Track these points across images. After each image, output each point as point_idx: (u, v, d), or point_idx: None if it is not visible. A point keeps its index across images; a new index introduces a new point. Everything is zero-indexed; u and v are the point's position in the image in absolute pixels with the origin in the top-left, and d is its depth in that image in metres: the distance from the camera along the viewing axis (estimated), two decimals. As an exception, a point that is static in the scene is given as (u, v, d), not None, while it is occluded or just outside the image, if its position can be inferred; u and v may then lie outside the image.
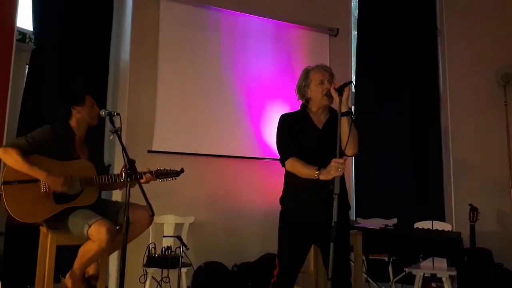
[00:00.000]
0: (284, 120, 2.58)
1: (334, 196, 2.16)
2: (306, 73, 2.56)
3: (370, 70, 5.09)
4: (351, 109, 2.36)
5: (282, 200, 2.60)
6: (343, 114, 2.31)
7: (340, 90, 2.31)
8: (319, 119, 2.54)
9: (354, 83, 5.14)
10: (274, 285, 2.51)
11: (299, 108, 2.65)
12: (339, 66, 4.96)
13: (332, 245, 2.13)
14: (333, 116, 2.52)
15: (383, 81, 5.04)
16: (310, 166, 2.33)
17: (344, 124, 2.32)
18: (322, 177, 2.26)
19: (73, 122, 2.85)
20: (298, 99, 2.62)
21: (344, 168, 2.20)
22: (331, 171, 2.21)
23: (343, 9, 5.14)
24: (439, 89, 5.05)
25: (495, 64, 4.85)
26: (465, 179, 4.75)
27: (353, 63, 5.17)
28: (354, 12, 5.34)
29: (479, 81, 4.92)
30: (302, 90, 2.57)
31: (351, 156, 2.52)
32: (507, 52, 4.91)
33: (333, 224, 2.14)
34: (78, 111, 2.84)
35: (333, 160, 2.21)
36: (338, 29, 4.97)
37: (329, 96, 2.43)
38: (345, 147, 2.32)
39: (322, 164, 2.29)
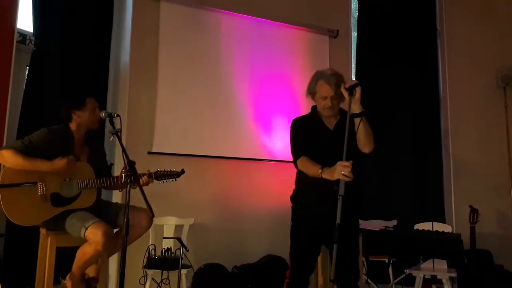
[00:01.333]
0: (296, 124, 2.63)
1: (338, 197, 2.14)
2: (317, 79, 2.51)
3: (370, 72, 5.09)
4: (363, 110, 2.35)
5: (293, 198, 2.64)
6: (356, 115, 2.32)
7: (350, 90, 2.30)
8: (330, 120, 2.56)
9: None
10: (288, 286, 2.49)
11: (304, 110, 2.68)
12: (339, 67, 4.84)
13: (335, 246, 2.12)
14: (343, 118, 2.50)
15: (383, 82, 5.04)
16: (316, 165, 2.36)
17: (360, 125, 2.35)
18: (324, 176, 2.27)
19: (73, 125, 2.83)
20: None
21: (349, 171, 2.16)
22: (334, 173, 2.21)
23: (343, 11, 5.14)
24: (439, 91, 5.06)
25: (495, 66, 4.86)
26: (465, 180, 4.76)
27: (353, 65, 5.17)
28: (354, 13, 5.35)
29: (479, 83, 4.93)
30: (310, 94, 2.59)
31: (369, 152, 2.51)
32: (507, 53, 4.92)
33: (336, 226, 2.13)
34: (78, 115, 2.80)
35: (339, 163, 2.20)
36: (338, 30, 4.97)
37: (330, 109, 2.47)
38: (362, 146, 2.41)
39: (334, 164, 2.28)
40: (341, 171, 2.17)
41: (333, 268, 2.13)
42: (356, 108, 2.31)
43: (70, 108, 2.80)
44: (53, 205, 2.68)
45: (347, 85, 2.32)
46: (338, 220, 2.12)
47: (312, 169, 2.38)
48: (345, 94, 2.33)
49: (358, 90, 2.29)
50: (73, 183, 2.72)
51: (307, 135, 2.52)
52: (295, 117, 2.71)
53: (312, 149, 2.47)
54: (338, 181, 2.18)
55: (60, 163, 2.63)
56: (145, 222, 2.79)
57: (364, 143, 2.41)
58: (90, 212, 2.71)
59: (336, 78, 2.47)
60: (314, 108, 2.63)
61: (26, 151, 2.63)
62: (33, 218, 2.65)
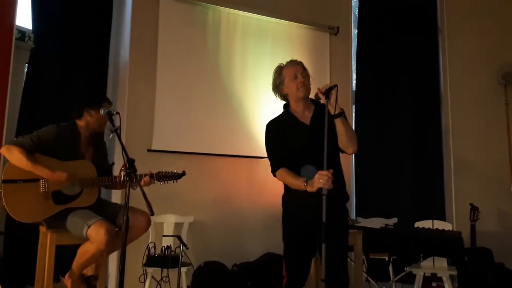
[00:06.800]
0: (271, 128, 2.56)
1: (322, 196, 2.13)
2: (279, 70, 2.57)
3: (370, 69, 5.08)
4: (342, 110, 2.34)
5: (284, 198, 2.58)
6: (335, 116, 2.30)
7: (327, 93, 2.29)
8: (304, 115, 2.50)
9: (355, 81, 5.15)
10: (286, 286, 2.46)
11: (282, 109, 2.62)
12: (339, 64, 4.97)
13: (323, 245, 2.11)
14: (318, 109, 2.48)
15: (383, 79, 5.03)
16: (299, 178, 2.32)
17: (339, 126, 2.32)
18: (309, 189, 2.24)
19: (81, 122, 2.82)
20: (277, 99, 2.63)
21: (328, 179, 2.14)
22: (314, 183, 2.20)
23: (343, 8, 5.12)
24: (440, 88, 5.04)
25: (496, 63, 4.84)
26: (466, 178, 4.74)
27: (353, 62, 5.16)
28: (355, 10, 5.33)
29: (480, 80, 4.91)
30: (278, 88, 2.56)
31: (352, 154, 2.51)
32: (508, 51, 4.90)
33: (323, 224, 2.11)
34: (91, 114, 2.81)
35: (318, 172, 2.19)
36: (338, 27, 4.95)
37: (304, 86, 2.45)
38: (344, 147, 2.37)
39: (317, 159, 2.23)
40: (320, 179, 2.15)
41: (324, 268, 2.12)
42: (333, 109, 2.29)
43: (85, 106, 2.81)
44: (55, 202, 2.68)
45: (323, 89, 2.30)
46: (323, 219, 2.10)
47: (295, 183, 2.35)
48: (322, 98, 2.31)
49: (333, 93, 2.28)
50: (75, 181, 2.71)
51: (285, 136, 2.46)
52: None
53: (292, 149, 2.42)
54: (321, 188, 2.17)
55: (60, 176, 2.63)
56: (144, 224, 2.81)
57: (347, 144, 2.36)
58: (92, 211, 2.70)
59: (297, 61, 2.54)
60: (285, 106, 2.59)
61: (34, 148, 2.64)
62: (35, 215, 2.65)
